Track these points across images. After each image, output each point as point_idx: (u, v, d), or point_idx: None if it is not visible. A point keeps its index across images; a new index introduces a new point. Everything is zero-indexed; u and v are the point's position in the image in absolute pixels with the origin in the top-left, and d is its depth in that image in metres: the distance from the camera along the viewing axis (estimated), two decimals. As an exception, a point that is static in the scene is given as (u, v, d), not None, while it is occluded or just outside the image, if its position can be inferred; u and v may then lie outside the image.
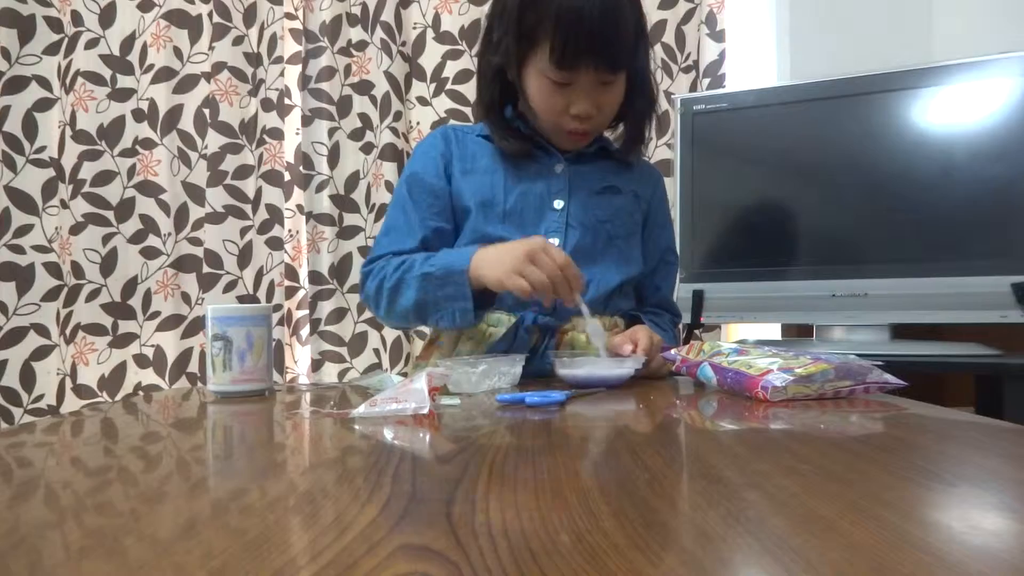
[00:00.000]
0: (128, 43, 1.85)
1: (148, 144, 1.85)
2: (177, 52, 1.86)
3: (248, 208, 1.85)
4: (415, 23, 1.90)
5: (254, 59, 1.87)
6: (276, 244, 1.86)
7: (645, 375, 0.95)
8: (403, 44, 1.88)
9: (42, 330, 1.78)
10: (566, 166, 1.12)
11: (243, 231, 1.85)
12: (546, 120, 1.07)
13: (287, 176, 1.89)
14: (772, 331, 1.75)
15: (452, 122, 1.86)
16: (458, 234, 1.12)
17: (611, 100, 1.05)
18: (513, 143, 1.10)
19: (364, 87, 1.87)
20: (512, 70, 1.06)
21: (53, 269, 1.79)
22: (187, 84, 1.86)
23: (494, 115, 1.12)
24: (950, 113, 1.35)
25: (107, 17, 1.83)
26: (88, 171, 1.82)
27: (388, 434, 0.61)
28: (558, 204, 1.11)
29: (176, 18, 1.86)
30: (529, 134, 1.12)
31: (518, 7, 1.00)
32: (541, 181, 1.11)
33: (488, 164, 1.13)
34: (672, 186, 1.58)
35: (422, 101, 1.89)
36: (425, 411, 0.66)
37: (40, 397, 1.78)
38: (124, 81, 1.85)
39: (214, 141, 1.83)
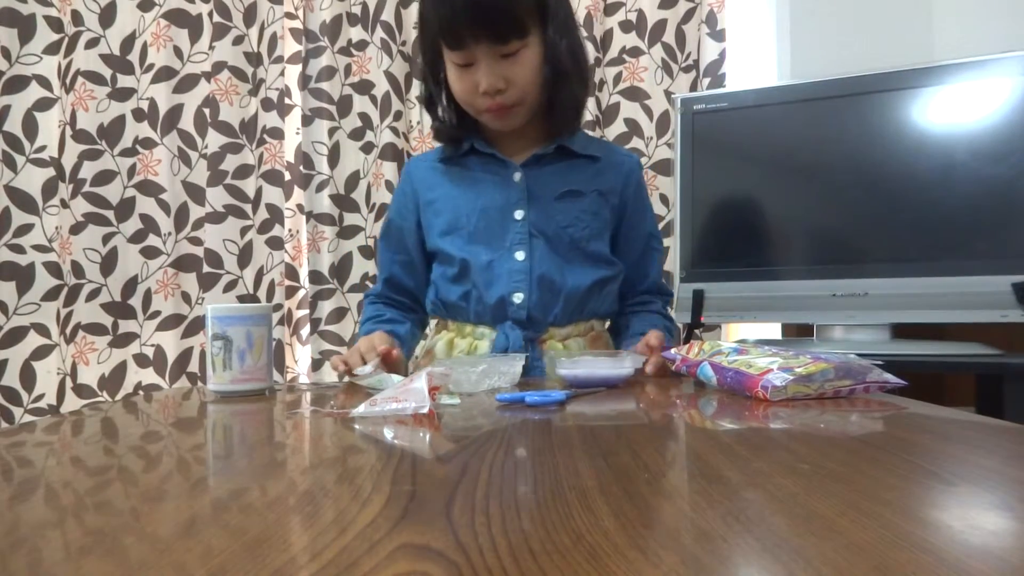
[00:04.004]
0: (128, 43, 1.85)
1: (148, 144, 1.85)
2: (177, 52, 1.86)
3: (248, 208, 1.85)
4: (415, 23, 1.89)
5: (254, 59, 1.87)
6: (276, 244, 1.86)
7: (657, 374, 0.97)
8: (403, 44, 1.88)
9: (42, 330, 1.79)
10: (523, 174, 1.12)
11: (243, 231, 1.85)
12: (466, 106, 1.08)
13: (287, 176, 1.89)
14: (772, 331, 1.75)
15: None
16: (436, 258, 1.18)
17: (520, 71, 1.03)
18: (448, 132, 1.13)
19: (364, 87, 1.87)
20: (437, 68, 1.09)
21: (53, 269, 1.79)
22: (187, 84, 1.86)
23: (431, 113, 1.14)
24: (950, 113, 1.35)
25: (107, 17, 1.83)
26: (88, 171, 1.82)
27: (388, 434, 0.61)
28: (518, 215, 1.10)
29: (176, 18, 1.86)
30: (468, 129, 1.13)
31: (420, 6, 1.07)
32: (500, 194, 1.11)
33: (447, 190, 1.15)
34: (672, 186, 1.58)
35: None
36: (425, 411, 0.66)
37: (40, 397, 1.78)
38: (124, 81, 1.85)
39: (214, 141, 1.83)
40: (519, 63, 1.03)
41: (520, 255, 1.09)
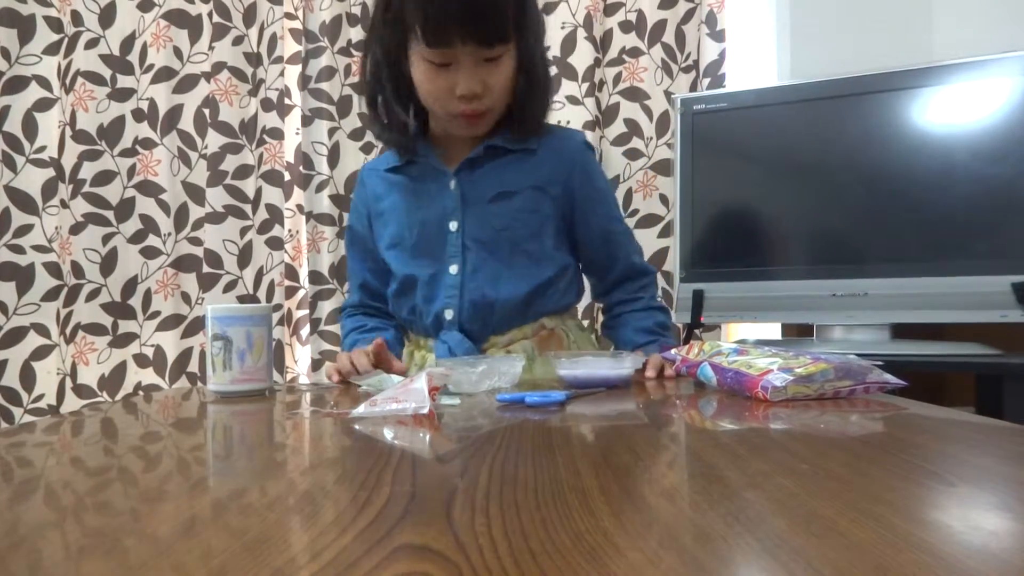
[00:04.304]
0: (128, 43, 1.85)
1: (148, 144, 1.85)
2: (177, 52, 1.86)
3: (248, 208, 1.85)
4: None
5: (254, 59, 1.87)
6: (276, 244, 1.86)
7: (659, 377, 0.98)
8: (403, 44, 1.88)
9: (42, 330, 1.79)
10: (457, 180, 1.09)
11: (243, 231, 1.85)
12: (436, 108, 1.04)
13: (287, 176, 1.89)
14: (772, 331, 1.75)
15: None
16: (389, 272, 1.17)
17: (498, 77, 1.00)
18: (394, 136, 1.09)
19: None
20: (397, 61, 1.03)
21: (53, 269, 1.79)
22: (187, 84, 1.86)
23: (375, 109, 1.09)
24: (950, 113, 1.35)
25: (107, 17, 1.83)
26: (88, 171, 1.82)
27: (388, 434, 0.61)
28: (453, 225, 1.09)
29: (176, 18, 1.86)
30: (414, 134, 1.08)
31: (381, 1, 1.01)
32: (437, 204, 1.10)
33: (392, 201, 1.14)
34: (672, 186, 1.58)
35: (422, 101, 1.89)
36: (425, 411, 0.66)
37: (40, 397, 1.78)
38: (124, 81, 1.85)
39: (214, 141, 1.83)
40: (498, 69, 1.00)
41: (453, 268, 1.08)
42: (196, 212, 1.86)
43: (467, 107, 1.01)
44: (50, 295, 1.78)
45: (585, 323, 1.44)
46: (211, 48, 1.84)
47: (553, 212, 1.12)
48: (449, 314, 1.08)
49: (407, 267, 1.12)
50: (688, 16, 1.81)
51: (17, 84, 1.78)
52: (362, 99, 1.83)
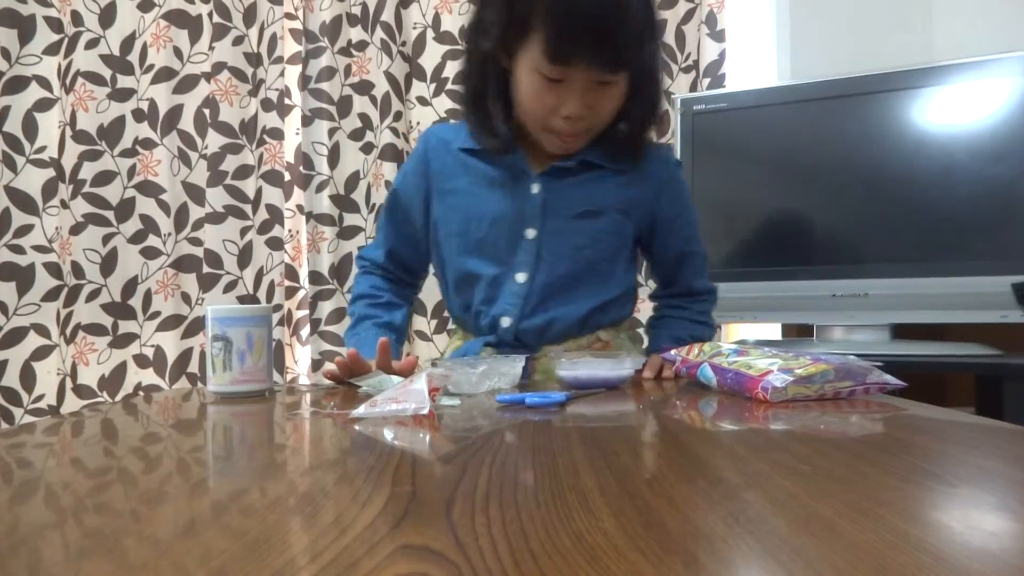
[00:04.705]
0: (128, 43, 1.85)
1: (148, 144, 1.85)
2: (177, 52, 1.86)
3: (248, 208, 1.85)
4: (415, 23, 1.90)
5: (254, 59, 1.87)
6: (276, 244, 1.86)
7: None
8: (403, 44, 1.88)
9: (42, 330, 1.79)
10: (542, 186, 1.03)
11: (243, 231, 1.85)
12: (534, 120, 0.99)
13: (287, 176, 1.89)
14: (772, 331, 1.75)
15: (451, 122, 1.86)
16: (441, 257, 1.11)
17: (607, 103, 0.96)
18: (498, 140, 1.01)
19: (364, 87, 1.87)
20: (502, 58, 0.97)
21: (53, 269, 1.79)
22: (187, 84, 1.87)
23: (480, 108, 1.02)
24: (950, 113, 1.35)
25: (107, 17, 1.83)
26: (88, 171, 1.82)
27: (388, 434, 0.61)
28: (530, 233, 1.03)
29: (176, 18, 1.86)
30: (507, 135, 1.01)
31: None
32: (515, 205, 1.04)
33: (461, 185, 1.07)
34: (672, 186, 1.57)
35: (422, 101, 1.89)
36: (425, 411, 0.66)
37: (40, 397, 1.78)
38: (124, 81, 1.85)
39: (214, 141, 1.83)
40: (609, 94, 0.95)
41: (521, 277, 1.04)
42: (196, 212, 1.87)
43: (568, 128, 0.96)
44: (50, 295, 1.79)
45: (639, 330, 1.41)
46: (211, 48, 1.84)
47: (632, 234, 1.09)
48: (506, 322, 1.04)
49: (467, 262, 1.06)
50: (688, 16, 1.81)
51: (17, 84, 1.78)
52: (363, 99, 1.86)
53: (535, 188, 1.04)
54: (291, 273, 1.89)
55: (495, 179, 1.05)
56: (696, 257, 1.16)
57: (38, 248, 1.79)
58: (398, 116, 1.86)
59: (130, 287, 1.84)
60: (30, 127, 1.79)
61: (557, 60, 0.90)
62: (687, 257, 1.15)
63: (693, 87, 1.80)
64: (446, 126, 1.14)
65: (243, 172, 1.85)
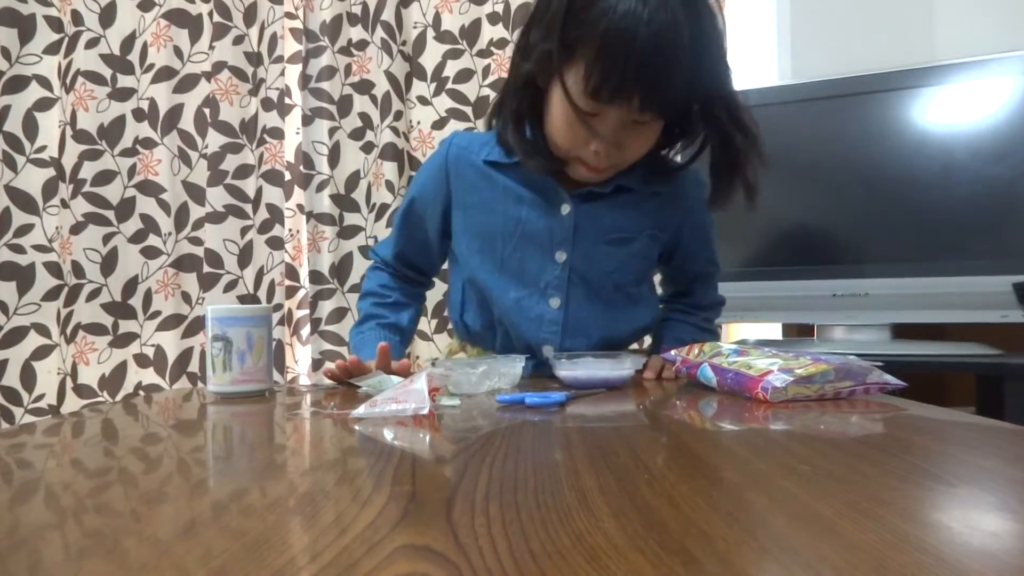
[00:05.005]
0: (128, 43, 1.85)
1: (148, 144, 1.85)
2: (177, 51, 1.86)
3: (248, 208, 1.85)
4: (415, 22, 1.90)
5: (254, 58, 1.86)
6: (276, 244, 1.86)
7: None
8: (403, 43, 1.88)
9: (42, 330, 1.79)
10: (573, 208, 1.00)
11: (243, 231, 1.85)
12: (561, 148, 0.95)
13: (287, 176, 1.89)
14: (773, 331, 1.75)
15: (453, 127, 1.85)
16: (460, 268, 1.09)
17: (639, 143, 0.92)
18: (540, 161, 0.96)
19: (364, 86, 1.87)
20: (543, 81, 0.93)
21: (53, 269, 1.79)
22: (187, 84, 1.86)
23: (520, 129, 0.98)
24: (951, 112, 1.35)
25: (107, 16, 1.83)
26: (88, 171, 1.82)
27: (388, 434, 0.61)
28: (560, 257, 1.01)
29: (176, 17, 1.86)
30: (552, 160, 0.97)
31: (564, 12, 0.85)
32: (544, 226, 1.00)
33: (485, 199, 1.03)
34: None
35: (422, 100, 1.89)
36: (425, 411, 0.66)
37: (41, 397, 1.78)
38: (124, 81, 1.85)
39: (214, 141, 1.83)
40: (643, 134, 0.92)
41: (555, 302, 1.01)
42: (196, 212, 1.86)
43: (595, 161, 0.93)
44: (50, 295, 1.79)
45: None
46: (211, 48, 1.84)
47: (657, 254, 1.09)
48: (548, 350, 1.01)
49: (490, 279, 1.03)
50: (688, 16, 1.81)
51: (17, 84, 1.78)
52: (363, 98, 1.86)
53: (566, 210, 1.00)
54: (291, 273, 1.89)
55: (523, 197, 1.01)
56: (713, 276, 1.17)
57: (38, 248, 1.79)
58: (398, 115, 1.86)
59: (130, 287, 1.84)
60: (30, 126, 1.79)
61: (598, 97, 0.85)
62: (704, 276, 1.16)
63: (693, 87, 1.80)
64: (468, 135, 1.10)
65: (243, 171, 1.85)
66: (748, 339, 1.66)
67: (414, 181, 1.16)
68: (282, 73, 1.86)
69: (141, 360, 1.84)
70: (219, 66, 1.83)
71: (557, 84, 0.89)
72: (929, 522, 0.35)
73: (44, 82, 1.80)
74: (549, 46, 0.88)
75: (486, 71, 1.86)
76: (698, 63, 0.85)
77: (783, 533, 0.33)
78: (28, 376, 1.77)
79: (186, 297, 1.86)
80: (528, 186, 1.01)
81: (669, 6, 0.81)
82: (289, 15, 1.88)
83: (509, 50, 1.84)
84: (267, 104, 1.86)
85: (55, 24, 1.81)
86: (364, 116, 1.87)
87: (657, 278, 1.26)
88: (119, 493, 0.43)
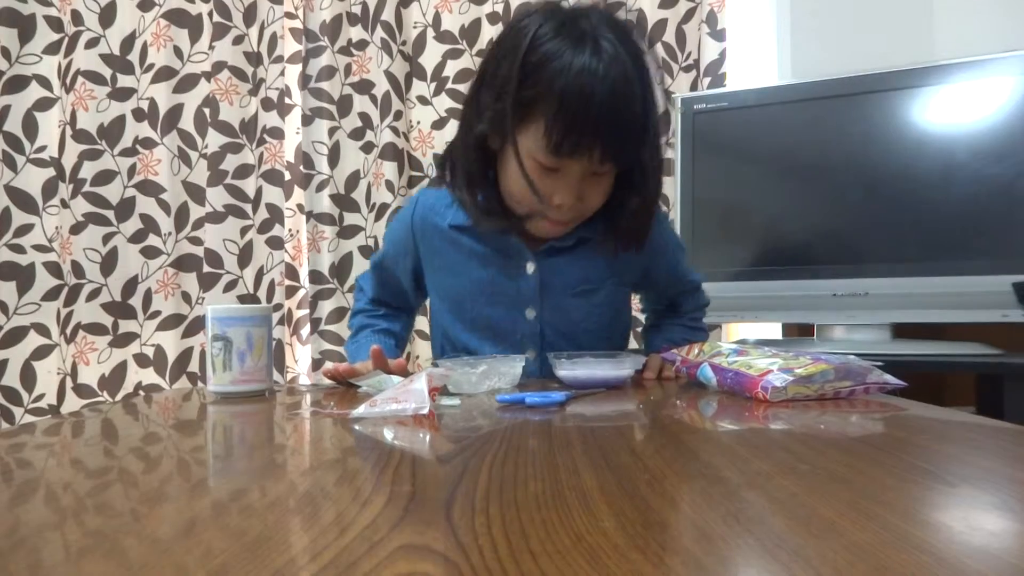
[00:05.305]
0: (128, 42, 1.85)
1: (148, 143, 1.85)
2: (177, 51, 1.86)
3: (248, 207, 1.85)
4: (415, 22, 1.90)
5: (254, 58, 1.87)
6: (276, 243, 1.86)
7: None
8: (403, 43, 1.88)
9: (42, 329, 1.79)
10: (537, 266, 1.01)
11: (243, 230, 1.85)
12: (521, 205, 0.95)
13: (287, 175, 1.89)
14: (773, 331, 1.75)
15: (453, 127, 1.85)
16: (434, 317, 1.13)
17: (597, 193, 0.94)
18: (492, 221, 0.97)
19: (364, 86, 1.87)
20: (496, 141, 0.94)
21: (53, 268, 1.79)
22: (187, 83, 1.87)
23: (473, 191, 0.98)
24: (951, 112, 1.35)
25: (107, 16, 1.83)
26: (88, 170, 1.82)
27: (388, 434, 0.61)
28: (530, 314, 1.02)
29: (176, 17, 1.86)
30: (508, 219, 0.98)
31: (518, 73, 0.85)
32: (510, 286, 1.02)
33: (454, 264, 1.04)
34: (672, 185, 1.58)
35: (422, 100, 1.89)
36: (425, 411, 0.66)
37: (41, 396, 1.78)
38: (124, 80, 1.85)
39: (214, 140, 1.83)
40: (600, 184, 0.93)
41: (531, 354, 1.03)
42: (196, 212, 1.87)
43: (556, 215, 0.94)
44: (50, 295, 1.79)
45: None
46: (211, 47, 1.84)
47: (626, 293, 1.12)
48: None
49: (462, 335, 1.05)
50: (689, 15, 1.81)
51: (17, 84, 1.78)
52: (363, 98, 1.86)
53: (530, 268, 1.01)
54: (291, 272, 1.89)
55: (488, 258, 1.02)
56: (690, 288, 1.17)
57: (38, 247, 1.79)
58: (398, 115, 1.86)
59: (130, 286, 1.84)
60: (30, 126, 1.79)
61: (560, 152, 0.86)
62: (683, 293, 1.17)
63: (693, 86, 1.80)
64: (435, 194, 1.08)
65: (243, 171, 1.85)
66: (748, 339, 1.66)
67: (386, 236, 1.19)
68: (282, 73, 1.86)
69: (141, 360, 1.84)
70: (219, 66, 1.83)
71: (511, 143, 0.90)
72: (929, 521, 0.35)
73: (44, 82, 1.80)
74: (503, 106, 0.88)
75: (486, 71, 1.86)
76: (647, 113, 0.89)
77: (783, 533, 0.33)
78: (28, 376, 1.77)
79: (186, 297, 1.86)
80: (492, 247, 1.02)
81: (620, 60, 0.85)
82: (289, 15, 1.88)
83: (509, 50, 1.84)
84: (267, 104, 1.86)
85: (55, 24, 1.81)
86: (364, 116, 1.87)
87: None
88: (119, 493, 0.43)
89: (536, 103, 0.86)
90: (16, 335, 1.77)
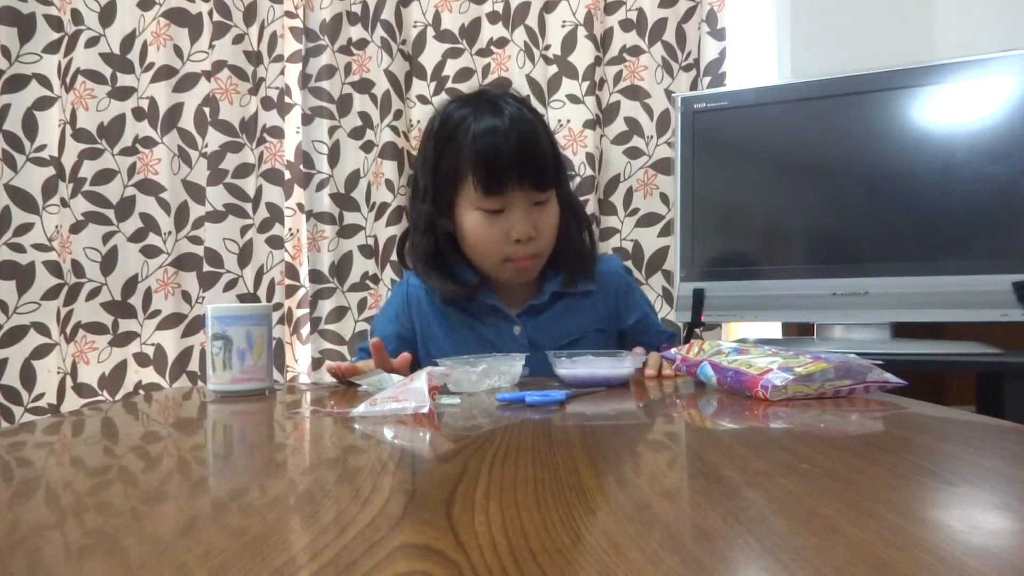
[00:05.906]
0: (128, 41, 1.85)
1: (148, 143, 1.85)
2: (177, 50, 1.86)
3: (248, 207, 1.85)
4: (415, 21, 1.89)
5: (254, 57, 1.86)
6: (276, 243, 1.86)
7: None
8: (403, 42, 1.88)
9: (42, 329, 1.79)
10: (523, 326, 1.11)
11: (243, 230, 1.85)
12: (488, 256, 1.06)
13: (287, 175, 1.89)
14: (773, 330, 1.75)
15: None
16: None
17: (547, 220, 1.05)
18: (455, 286, 1.09)
19: (364, 85, 1.87)
20: (444, 216, 1.06)
21: (53, 268, 1.79)
22: (187, 82, 1.86)
23: (437, 267, 1.10)
24: (951, 111, 1.35)
25: (107, 15, 1.83)
26: (88, 170, 1.82)
27: (388, 433, 0.61)
28: (523, 370, 1.09)
29: (176, 16, 1.86)
30: (475, 282, 1.09)
31: (434, 153, 1.03)
32: (502, 350, 1.08)
33: (445, 332, 1.14)
34: (672, 185, 1.58)
35: (422, 99, 1.89)
36: (425, 410, 0.66)
37: (40, 396, 1.78)
38: (124, 79, 1.84)
39: (214, 140, 1.83)
40: (547, 211, 1.05)
41: None
42: (196, 211, 1.86)
43: (522, 251, 1.04)
44: (50, 294, 1.78)
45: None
46: (211, 47, 1.84)
47: (614, 341, 1.18)
48: None
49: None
50: (689, 15, 1.81)
51: (17, 83, 1.78)
52: (363, 97, 1.85)
53: (517, 330, 1.12)
54: (291, 271, 1.89)
55: (478, 327, 1.13)
56: (652, 329, 1.24)
57: (38, 247, 1.79)
58: (398, 115, 1.86)
59: (130, 286, 1.84)
60: (30, 125, 1.79)
61: (494, 190, 0.99)
62: (645, 333, 1.22)
63: (693, 85, 1.80)
64: (421, 282, 1.19)
65: (243, 171, 1.85)
66: (748, 338, 1.66)
67: (382, 311, 1.27)
68: (282, 72, 1.86)
69: (141, 359, 1.84)
70: (219, 65, 1.83)
71: (458, 208, 1.04)
72: (929, 520, 0.35)
73: (44, 81, 1.80)
74: (437, 182, 1.04)
75: (486, 70, 1.86)
76: (553, 143, 1.06)
77: (783, 532, 0.33)
78: (28, 375, 1.77)
79: (186, 296, 1.86)
80: (480, 318, 1.13)
81: (521, 112, 1.03)
82: (289, 14, 1.88)
83: (509, 49, 1.84)
84: (267, 103, 1.86)
85: (55, 23, 1.80)
86: (364, 115, 1.87)
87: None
88: (119, 492, 0.43)
89: (459, 161, 1.01)
90: (16, 334, 1.77)
